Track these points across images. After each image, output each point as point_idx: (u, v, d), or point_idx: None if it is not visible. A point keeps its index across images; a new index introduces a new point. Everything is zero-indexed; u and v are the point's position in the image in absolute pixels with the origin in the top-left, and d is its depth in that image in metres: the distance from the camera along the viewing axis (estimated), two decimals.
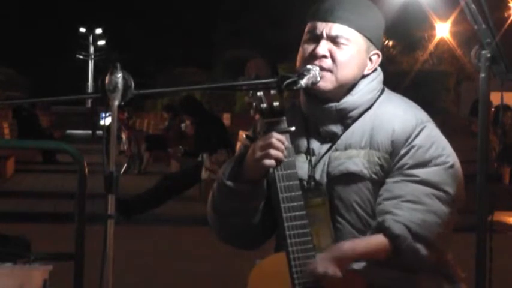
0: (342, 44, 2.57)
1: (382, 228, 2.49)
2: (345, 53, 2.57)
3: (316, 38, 2.59)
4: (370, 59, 2.64)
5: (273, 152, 2.42)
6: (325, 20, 2.58)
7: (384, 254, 2.49)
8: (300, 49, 2.64)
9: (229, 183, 2.54)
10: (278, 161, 2.43)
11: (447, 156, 2.57)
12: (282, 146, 2.43)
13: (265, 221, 2.63)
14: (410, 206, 2.50)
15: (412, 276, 2.52)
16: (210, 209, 2.66)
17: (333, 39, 2.57)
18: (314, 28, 2.60)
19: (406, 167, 2.54)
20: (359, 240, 2.52)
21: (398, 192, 2.52)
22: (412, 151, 2.55)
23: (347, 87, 2.60)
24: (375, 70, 2.67)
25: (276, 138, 2.43)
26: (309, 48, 2.60)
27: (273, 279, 2.46)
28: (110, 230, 2.18)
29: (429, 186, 2.52)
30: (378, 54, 2.65)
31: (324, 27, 2.58)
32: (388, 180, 2.55)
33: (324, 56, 2.56)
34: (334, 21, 2.58)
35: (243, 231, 2.65)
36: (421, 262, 2.52)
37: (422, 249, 2.49)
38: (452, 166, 2.57)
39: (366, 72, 2.63)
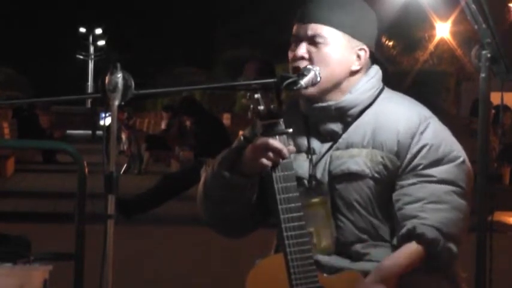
0: (319, 43, 2.58)
1: (414, 235, 2.49)
2: (322, 52, 2.58)
3: (298, 41, 2.62)
4: (358, 55, 2.63)
5: (270, 153, 2.42)
6: (303, 21, 2.62)
7: (420, 260, 2.50)
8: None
9: (226, 173, 2.55)
10: (275, 163, 2.43)
11: (458, 151, 2.59)
12: (279, 148, 2.42)
13: (256, 212, 2.63)
14: (434, 207, 2.51)
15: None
16: (201, 193, 2.66)
17: (311, 40, 2.59)
18: (295, 31, 2.64)
19: (420, 167, 2.54)
20: (395, 254, 2.51)
21: (418, 195, 2.52)
22: (424, 151, 2.55)
23: (338, 86, 2.60)
24: (370, 67, 2.66)
25: (274, 140, 2.42)
26: (292, 51, 2.63)
27: (272, 279, 2.45)
28: (110, 230, 2.18)
29: (447, 184, 2.54)
30: (364, 50, 2.63)
31: (301, 29, 2.61)
32: (403, 183, 2.55)
33: (302, 57, 2.58)
34: (309, 22, 2.60)
35: (233, 220, 2.65)
36: (453, 260, 2.56)
37: (453, 247, 2.52)
38: (463, 162, 2.59)
39: (354, 68, 2.62)
